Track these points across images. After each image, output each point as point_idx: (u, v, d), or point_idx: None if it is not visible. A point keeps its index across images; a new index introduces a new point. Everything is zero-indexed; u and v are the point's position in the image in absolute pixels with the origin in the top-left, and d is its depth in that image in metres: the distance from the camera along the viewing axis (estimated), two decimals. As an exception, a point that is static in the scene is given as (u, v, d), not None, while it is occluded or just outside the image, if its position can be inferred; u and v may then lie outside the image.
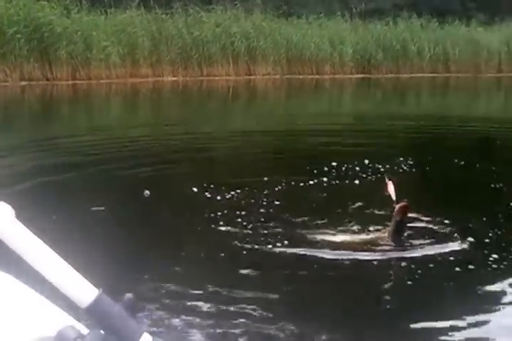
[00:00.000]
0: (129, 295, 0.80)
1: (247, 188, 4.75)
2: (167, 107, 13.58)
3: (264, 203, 4.45)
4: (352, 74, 19.92)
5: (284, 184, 4.98)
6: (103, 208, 4.18)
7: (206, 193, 4.63)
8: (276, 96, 16.42)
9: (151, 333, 0.78)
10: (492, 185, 5.20)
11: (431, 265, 3.31)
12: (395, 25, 21.26)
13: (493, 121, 10.89)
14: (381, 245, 3.49)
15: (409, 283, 3.15)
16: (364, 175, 5.41)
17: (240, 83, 17.94)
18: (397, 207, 3.53)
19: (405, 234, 3.60)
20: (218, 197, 4.56)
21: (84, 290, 0.76)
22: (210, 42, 17.89)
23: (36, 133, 8.72)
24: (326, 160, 6.04)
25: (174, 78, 17.64)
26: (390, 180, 3.73)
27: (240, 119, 11.59)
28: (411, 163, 6.03)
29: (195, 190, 4.73)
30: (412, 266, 3.33)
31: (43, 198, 4.50)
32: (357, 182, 5.16)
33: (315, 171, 5.47)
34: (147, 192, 4.47)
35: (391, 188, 3.67)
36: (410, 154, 6.54)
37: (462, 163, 6.23)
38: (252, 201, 4.51)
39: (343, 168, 5.70)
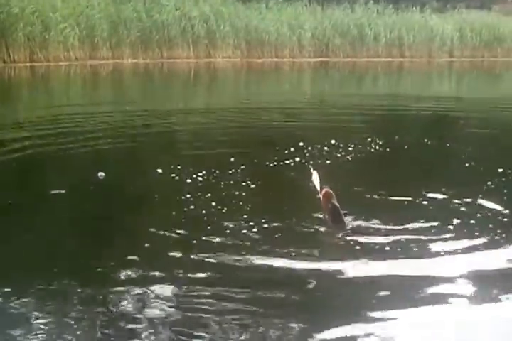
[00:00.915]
0: None
1: (212, 168, 4.58)
2: (128, 88, 13.78)
3: (232, 184, 4.22)
4: (310, 58, 20.53)
5: (249, 164, 4.86)
6: (64, 191, 4.01)
7: (172, 174, 4.45)
8: (236, 78, 16.82)
9: None
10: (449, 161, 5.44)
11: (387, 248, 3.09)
12: (352, 10, 21.95)
13: (444, 99, 11.62)
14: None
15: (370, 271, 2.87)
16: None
17: (201, 66, 18.27)
18: (320, 197, 3.38)
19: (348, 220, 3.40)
20: (184, 178, 4.34)
21: None
22: (170, 26, 18.12)
23: None
24: (288, 137, 6.37)
25: (134, 60, 17.81)
26: (314, 169, 3.58)
27: (201, 98, 11.96)
28: (371, 140, 6.07)
29: (159, 171, 4.53)
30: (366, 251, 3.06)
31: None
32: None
33: (277, 148, 5.56)
34: (101, 173, 4.33)
35: (315, 178, 3.53)
36: (369, 132, 6.68)
37: (421, 140, 6.42)
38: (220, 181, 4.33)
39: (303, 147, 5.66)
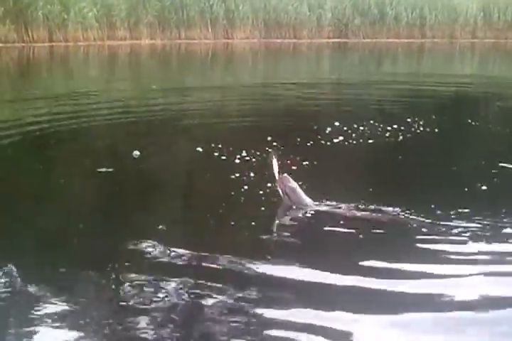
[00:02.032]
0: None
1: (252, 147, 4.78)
2: (149, 68, 14.14)
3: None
4: (329, 38, 20.67)
5: (290, 144, 5.07)
6: (111, 170, 4.24)
7: (214, 153, 4.70)
8: (254, 58, 17.09)
9: None
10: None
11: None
12: (373, -11, 21.96)
13: (468, 80, 11.72)
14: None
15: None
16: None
17: (218, 46, 18.55)
18: (279, 183, 3.69)
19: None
20: (227, 157, 4.57)
21: None
22: (189, 6, 18.39)
23: (16, 93, 9.13)
24: (321, 118, 6.59)
25: (152, 41, 18.16)
26: (274, 157, 3.72)
27: (219, 77, 12.27)
28: (411, 121, 6.16)
29: (199, 149, 4.79)
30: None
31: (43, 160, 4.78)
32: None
33: (315, 127, 5.77)
34: (136, 152, 4.50)
35: (275, 166, 3.70)
36: (404, 113, 6.82)
37: (441, 118, 6.67)
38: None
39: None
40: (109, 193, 4.03)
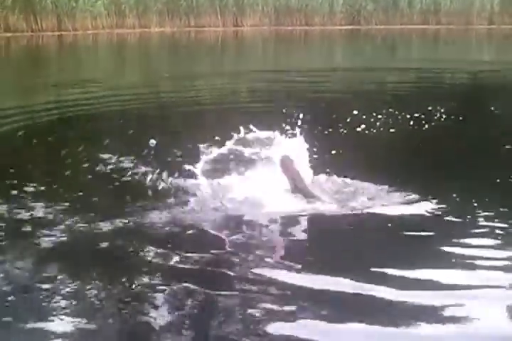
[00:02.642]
0: None
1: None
2: (160, 56, 14.27)
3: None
4: (342, 25, 20.65)
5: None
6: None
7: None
8: (264, 47, 17.14)
9: None
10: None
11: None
12: (385, -26, 21.87)
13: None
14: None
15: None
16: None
17: (228, 34, 18.62)
18: (281, 165, 3.50)
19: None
20: None
21: None
22: (198, -7, 18.49)
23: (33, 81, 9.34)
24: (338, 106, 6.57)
25: (161, 29, 18.28)
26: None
27: (230, 65, 12.38)
28: (431, 109, 6.04)
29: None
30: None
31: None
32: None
33: (334, 116, 5.77)
34: (153, 141, 4.49)
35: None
36: (420, 101, 6.78)
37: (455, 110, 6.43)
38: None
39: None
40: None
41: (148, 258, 2.73)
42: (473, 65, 11.51)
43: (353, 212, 3.26)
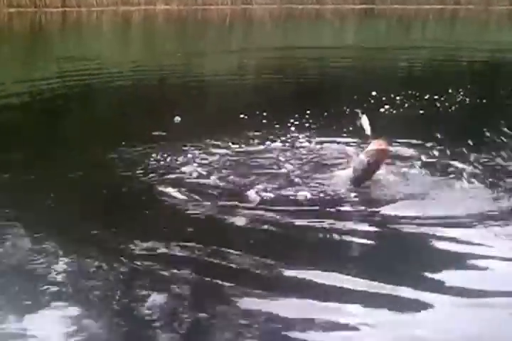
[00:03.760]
0: None
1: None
2: (171, 35, 14.40)
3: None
4: (355, 4, 20.61)
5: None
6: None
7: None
8: (274, 27, 17.17)
9: None
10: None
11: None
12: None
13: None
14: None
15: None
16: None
17: (237, 13, 18.69)
18: (374, 146, 3.21)
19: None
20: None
21: None
22: (205, -31, 18.53)
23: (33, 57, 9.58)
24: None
25: (167, 7, 18.38)
26: (363, 113, 3.47)
27: (239, 43, 12.50)
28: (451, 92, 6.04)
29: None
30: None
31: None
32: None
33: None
34: (178, 118, 4.75)
35: (365, 122, 3.43)
36: (437, 84, 6.80)
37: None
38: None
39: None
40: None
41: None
42: (488, 45, 11.56)
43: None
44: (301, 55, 9.94)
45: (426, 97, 5.83)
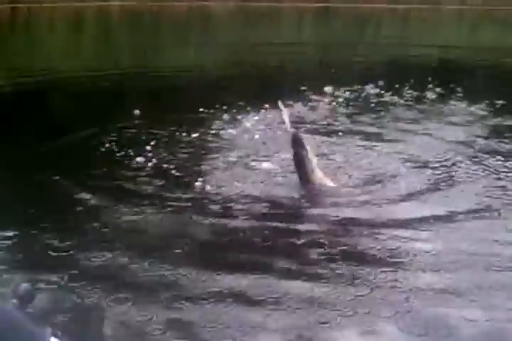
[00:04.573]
0: (25, 286, 0.74)
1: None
2: (122, 34, 14.49)
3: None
4: (311, 2, 21.17)
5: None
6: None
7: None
8: (230, 25, 17.50)
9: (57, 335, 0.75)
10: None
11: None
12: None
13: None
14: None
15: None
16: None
17: (193, 9, 18.91)
18: (291, 139, 3.50)
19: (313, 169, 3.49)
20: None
21: None
22: (160, -35, 18.67)
23: None
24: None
25: (121, 3, 18.43)
26: (284, 106, 3.71)
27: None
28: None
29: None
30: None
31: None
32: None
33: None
34: (137, 111, 5.23)
35: (285, 115, 3.63)
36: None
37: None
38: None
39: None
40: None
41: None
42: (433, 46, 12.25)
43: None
44: (256, 50, 10.33)
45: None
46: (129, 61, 9.43)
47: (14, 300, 0.73)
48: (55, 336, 0.80)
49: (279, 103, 3.67)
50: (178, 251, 2.80)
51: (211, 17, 18.56)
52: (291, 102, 5.12)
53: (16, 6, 16.66)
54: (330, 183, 3.57)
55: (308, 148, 3.51)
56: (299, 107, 5.37)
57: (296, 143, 3.48)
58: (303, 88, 6.29)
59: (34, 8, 16.80)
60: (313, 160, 3.53)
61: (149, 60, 9.39)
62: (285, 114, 3.63)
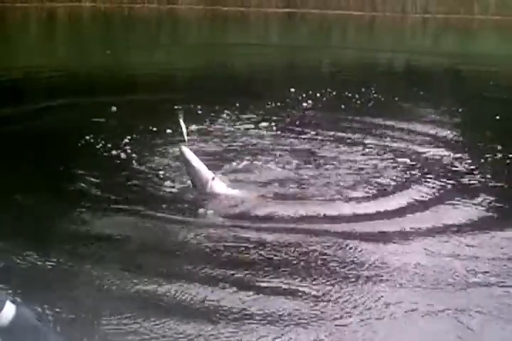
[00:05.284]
0: None
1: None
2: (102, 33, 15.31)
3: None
4: (278, 7, 22.20)
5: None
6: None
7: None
8: (199, 28, 18.43)
9: (14, 301, 0.83)
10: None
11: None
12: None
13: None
14: None
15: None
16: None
17: (162, 12, 19.79)
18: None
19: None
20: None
21: None
22: (131, -32, 19.54)
23: None
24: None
25: (93, 4, 19.23)
26: (181, 116, 3.85)
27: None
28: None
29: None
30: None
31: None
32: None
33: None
34: (114, 108, 5.82)
35: (183, 127, 3.82)
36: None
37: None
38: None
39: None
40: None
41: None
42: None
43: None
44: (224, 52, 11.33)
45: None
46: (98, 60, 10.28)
47: None
48: (12, 302, 0.81)
49: (179, 115, 3.88)
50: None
51: (181, 19, 19.44)
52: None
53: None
54: (236, 193, 3.85)
55: (197, 159, 3.80)
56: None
57: (186, 156, 3.77)
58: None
59: (7, 7, 17.47)
60: (208, 171, 3.83)
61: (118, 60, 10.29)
62: (183, 126, 3.85)
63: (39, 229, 3.43)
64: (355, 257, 3.09)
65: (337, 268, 2.98)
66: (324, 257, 3.10)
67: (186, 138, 3.83)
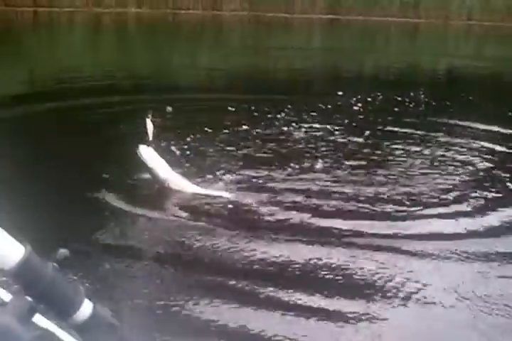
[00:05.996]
0: (63, 252, 0.79)
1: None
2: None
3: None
4: (322, 14, 22.41)
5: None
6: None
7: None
8: (243, 34, 18.68)
9: (92, 299, 0.80)
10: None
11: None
12: (367, -35, 23.74)
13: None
14: None
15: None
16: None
17: (207, 18, 20.10)
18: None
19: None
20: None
21: (8, 248, 0.75)
22: (177, -26, 19.90)
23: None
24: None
25: (138, 10, 19.62)
26: (150, 120, 3.97)
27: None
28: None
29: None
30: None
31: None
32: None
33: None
34: (169, 108, 5.81)
35: (149, 127, 3.97)
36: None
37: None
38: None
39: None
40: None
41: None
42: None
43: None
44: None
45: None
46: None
47: (54, 264, 0.82)
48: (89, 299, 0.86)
49: (148, 115, 4.00)
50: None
51: (227, 25, 19.70)
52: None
53: (37, 10, 17.76)
54: (194, 190, 3.96)
55: (157, 158, 3.92)
56: None
57: (143, 157, 3.91)
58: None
59: (55, 12, 17.92)
60: (167, 169, 3.95)
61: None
62: (149, 125, 3.98)
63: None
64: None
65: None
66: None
67: (151, 138, 3.97)
